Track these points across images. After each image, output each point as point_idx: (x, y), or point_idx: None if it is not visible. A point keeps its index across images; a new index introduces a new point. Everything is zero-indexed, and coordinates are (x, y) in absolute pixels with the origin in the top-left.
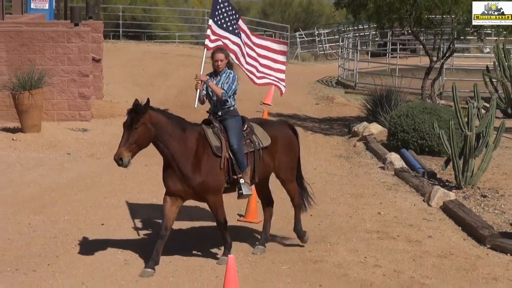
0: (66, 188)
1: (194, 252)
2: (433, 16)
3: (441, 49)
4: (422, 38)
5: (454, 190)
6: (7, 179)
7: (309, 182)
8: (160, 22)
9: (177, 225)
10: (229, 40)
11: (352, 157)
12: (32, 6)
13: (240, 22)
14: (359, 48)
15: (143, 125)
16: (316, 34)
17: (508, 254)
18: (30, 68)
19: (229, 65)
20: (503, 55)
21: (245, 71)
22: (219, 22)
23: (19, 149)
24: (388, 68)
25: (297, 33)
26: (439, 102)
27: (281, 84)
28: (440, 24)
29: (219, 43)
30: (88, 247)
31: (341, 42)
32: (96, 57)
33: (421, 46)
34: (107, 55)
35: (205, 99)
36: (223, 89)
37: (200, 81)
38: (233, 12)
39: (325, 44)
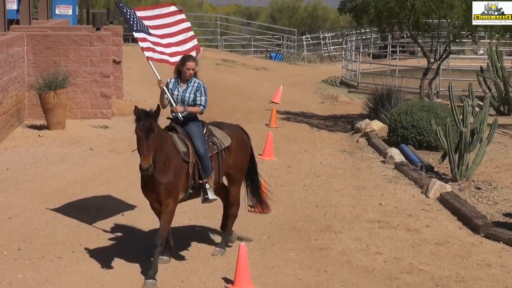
0: (89, 181)
1: (208, 241)
2: (430, 20)
3: (438, 51)
4: (420, 40)
5: (450, 183)
6: (34, 173)
7: (315, 175)
8: None
9: (191, 219)
10: (148, 41)
11: (355, 152)
12: (56, 12)
13: (138, 13)
14: (361, 50)
15: (159, 130)
16: (321, 37)
17: (501, 242)
18: (55, 70)
19: (195, 73)
20: (496, 57)
21: (158, 60)
22: (137, 28)
23: (45, 144)
24: (388, 69)
25: (303, 37)
26: (436, 100)
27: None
28: (437, 27)
29: (152, 54)
30: (110, 235)
31: (345, 44)
32: (116, 59)
33: (419, 48)
34: (127, 58)
35: (168, 104)
36: (201, 104)
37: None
38: (132, 11)
39: (330, 46)
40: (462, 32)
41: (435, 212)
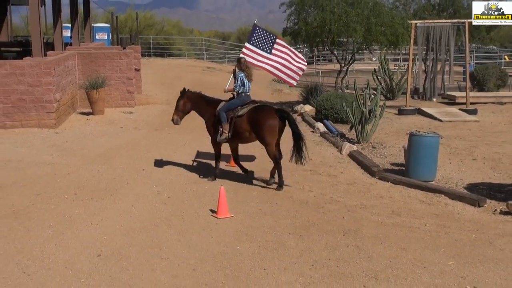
0: (121, 148)
1: (199, 184)
2: (341, 39)
3: (347, 58)
4: (335, 52)
5: (356, 144)
6: (84, 143)
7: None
8: (175, 45)
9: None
10: (259, 54)
11: None
12: (96, 37)
13: (278, 41)
14: None
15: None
16: None
17: (389, 182)
18: (96, 75)
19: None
20: (384, 62)
21: (272, 72)
22: (254, 43)
23: (91, 125)
24: (315, 71)
25: None
26: (346, 91)
27: (291, 79)
28: (346, 43)
29: (249, 58)
30: (135, 183)
31: None
32: (137, 67)
33: (335, 57)
34: (144, 67)
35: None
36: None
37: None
38: (270, 35)
39: None
40: (362, 46)
41: (346, 164)
